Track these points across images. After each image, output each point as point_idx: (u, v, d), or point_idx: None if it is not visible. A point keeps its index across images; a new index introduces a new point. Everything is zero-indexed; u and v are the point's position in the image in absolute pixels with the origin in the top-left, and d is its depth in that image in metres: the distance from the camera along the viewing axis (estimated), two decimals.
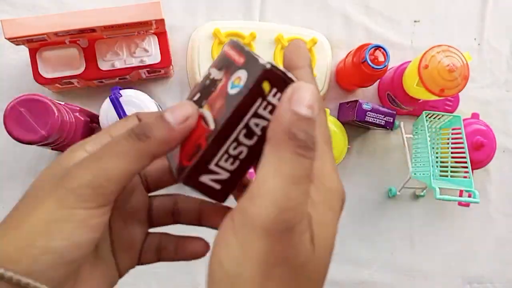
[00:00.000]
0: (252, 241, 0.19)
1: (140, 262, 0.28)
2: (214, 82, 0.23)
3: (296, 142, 0.19)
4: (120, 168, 0.21)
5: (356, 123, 0.60)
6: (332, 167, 0.21)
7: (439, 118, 0.63)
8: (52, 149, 0.54)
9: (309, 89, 0.19)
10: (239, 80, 0.21)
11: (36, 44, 0.55)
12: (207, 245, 0.29)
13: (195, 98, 0.24)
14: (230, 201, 0.25)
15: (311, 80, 0.22)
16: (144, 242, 0.28)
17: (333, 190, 0.21)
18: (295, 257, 0.19)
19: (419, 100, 0.60)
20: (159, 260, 0.29)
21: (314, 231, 0.20)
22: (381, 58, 0.56)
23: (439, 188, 0.56)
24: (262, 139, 0.21)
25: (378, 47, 0.56)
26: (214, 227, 0.28)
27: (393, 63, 0.62)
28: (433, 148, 0.63)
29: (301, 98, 0.19)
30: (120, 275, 0.27)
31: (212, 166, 0.22)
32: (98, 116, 0.55)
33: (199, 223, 0.29)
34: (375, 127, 0.61)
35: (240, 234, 0.19)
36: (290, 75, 0.20)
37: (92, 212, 0.21)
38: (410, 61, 0.59)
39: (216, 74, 0.23)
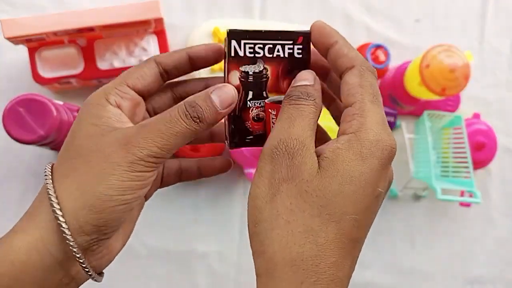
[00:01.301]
0: (263, 167, 0.25)
1: (162, 186, 0.34)
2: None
3: (290, 99, 0.26)
4: (177, 144, 0.26)
5: None
6: (376, 122, 0.25)
7: (440, 118, 0.63)
8: (51, 148, 0.54)
9: (308, 73, 0.28)
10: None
11: (35, 44, 0.55)
12: (229, 162, 0.34)
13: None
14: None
15: (349, 49, 0.27)
16: (164, 171, 0.34)
17: (369, 140, 0.24)
18: (298, 175, 0.24)
19: (420, 99, 0.60)
20: (180, 180, 0.34)
21: (323, 161, 0.24)
22: (382, 58, 0.55)
23: (440, 188, 0.55)
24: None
25: (379, 47, 0.55)
26: (210, 175, 0.34)
27: (394, 62, 0.61)
28: (434, 148, 0.63)
29: (299, 77, 0.27)
30: (146, 199, 0.33)
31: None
32: None
33: (199, 176, 0.34)
34: None
35: (258, 167, 0.25)
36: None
37: (153, 173, 0.26)
38: (411, 61, 0.58)
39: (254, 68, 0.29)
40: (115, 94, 0.28)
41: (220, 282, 0.63)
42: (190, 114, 0.25)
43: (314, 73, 0.28)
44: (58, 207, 0.24)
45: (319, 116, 0.27)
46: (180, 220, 0.63)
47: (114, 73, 0.58)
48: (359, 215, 0.24)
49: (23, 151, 0.59)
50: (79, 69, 0.57)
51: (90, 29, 0.52)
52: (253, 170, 0.55)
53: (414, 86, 0.56)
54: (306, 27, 0.29)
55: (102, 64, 0.57)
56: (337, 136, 0.26)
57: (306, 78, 0.27)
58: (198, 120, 0.26)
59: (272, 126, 0.28)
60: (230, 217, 0.63)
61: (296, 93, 0.26)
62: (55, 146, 0.52)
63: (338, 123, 0.29)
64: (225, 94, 0.27)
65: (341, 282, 0.23)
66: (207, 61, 0.30)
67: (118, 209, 0.25)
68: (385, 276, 0.65)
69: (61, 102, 0.52)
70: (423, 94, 0.56)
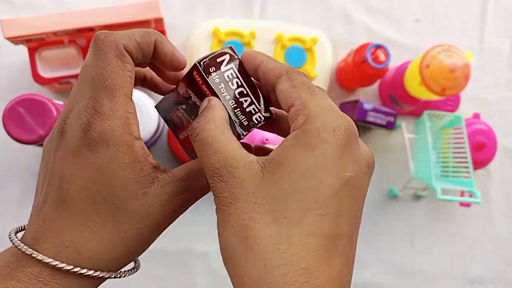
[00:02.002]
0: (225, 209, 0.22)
1: None
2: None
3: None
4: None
5: (357, 123, 0.59)
6: (320, 108, 0.22)
7: (440, 118, 0.63)
8: None
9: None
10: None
11: (35, 44, 0.55)
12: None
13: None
14: None
15: (274, 63, 0.25)
16: None
17: (316, 128, 0.22)
18: (242, 191, 0.22)
19: (420, 99, 0.60)
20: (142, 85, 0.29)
21: (268, 166, 0.22)
22: (382, 58, 0.55)
23: (440, 188, 0.55)
24: None
25: (379, 47, 0.55)
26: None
27: (394, 62, 0.61)
28: (434, 148, 0.63)
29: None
30: None
31: None
32: None
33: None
34: (376, 127, 0.60)
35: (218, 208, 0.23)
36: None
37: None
38: (411, 61, 0.58)
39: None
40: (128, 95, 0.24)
41: (220, 282, 0.63)
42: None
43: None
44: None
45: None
46: (180, 219, 0.62)
47: None
48: (326, 208, 0.21)
49: (23, 151, 0.59)
50: (79, 69, 0.57)
51: (90, 29, 0.52)
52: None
53: (414, 86, 0.56)
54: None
55: None
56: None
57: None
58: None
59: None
60: None
61: (190, 131, 0.24)
62: None
63: None
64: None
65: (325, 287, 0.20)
66: (165, 65, 0.27)
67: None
68: (385, 276, 0.65)
69: (61, 102, 0.52)
70: (423, 94, 0.56)
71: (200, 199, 0.27)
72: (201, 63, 0.25)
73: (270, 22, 0.63)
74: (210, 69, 0.25)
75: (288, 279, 0.20)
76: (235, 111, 0.25)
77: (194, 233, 0.63)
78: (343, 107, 0.63)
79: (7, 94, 0.54)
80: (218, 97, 0.25)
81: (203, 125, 0.23)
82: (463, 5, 0.68)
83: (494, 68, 0.68)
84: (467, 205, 0.61)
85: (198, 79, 0.25)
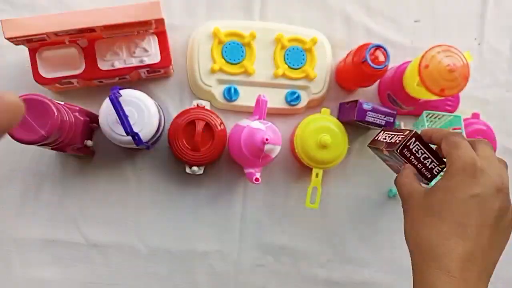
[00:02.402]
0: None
1: None
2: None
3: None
4: None
5: (356, 123, 0.60)
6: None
7: (439, 118, 0.63)
8: (52, 149, 0.54)
9: None
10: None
11: (36, 44, 0.55)
12: None
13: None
14: None
15: (436, 131, 0.44)
16: None
17: None
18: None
19: (420, 100, 0.60)
20: None
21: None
22: (381, 58, 0.55)
23: None
24: None
25: (378, 47, 0.56)
26: None
27: (394, 63, 0.62)
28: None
29: None
30: None
31: None
32: (98, 116, 0.54)
33: None
34: (376, 127, 0.60)
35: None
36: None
37: None
38: (410, 61, 0.58)
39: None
40: None
41: (220, 282, 0.63)
42: None
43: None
44: None
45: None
46: (181, 219, 0.63)
47: (115, 73, 0.58)
48: None
49: (24, 151, 0.59)
50: (80, 69, 0.57)
51: (91, 30, 0.52)
52: (253, 170, 0.55)
53: (413, 86, 0.56)
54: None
55: (103, 65, 0.57)
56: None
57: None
58: None
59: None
60: (230, 217, 0.63)
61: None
62: (56, 146, 0.52)
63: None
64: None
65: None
66: None
67: None
68: (384, 275, 0.65)
69: (61, 102, 0.52)
70: (422, 94, 0.57)
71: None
72: (401, 150, 0.45)
73: (270, 22, 0.64)
74: (404, 150, 0.45)
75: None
76: (421, 169, 0.45)
77: (195, 233, 0.63)
78: (343, 107, 0.64)
79: None
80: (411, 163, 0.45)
81: (401, 177, 0.44)
82: (463, 5, 0.68)
83: (494, 69, 0.68)
84: None
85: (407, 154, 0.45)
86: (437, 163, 0.44)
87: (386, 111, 0.59)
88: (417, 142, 0.44)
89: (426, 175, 0.45)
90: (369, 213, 0.65)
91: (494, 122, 0.65)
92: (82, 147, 0.57)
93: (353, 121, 0.59)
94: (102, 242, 0.62)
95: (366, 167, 0.65)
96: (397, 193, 0.45)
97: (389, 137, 0.49)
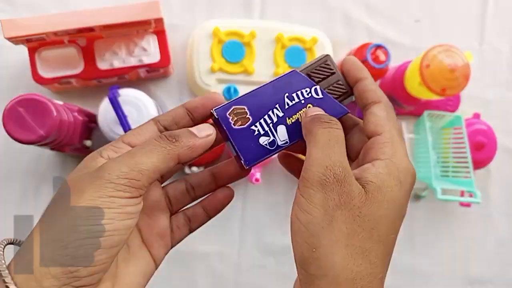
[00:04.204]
0: (313, 195, 0.25)
1: (173, 244, 0.33)
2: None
3: (322, 121, 0.27)
4: (151, 164, 0.25)
5: None
6: (403, 152, 0.28)
7: (440, 118, 0.63)
8: (51, 149, 0.54)
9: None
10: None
11: (35, 44, 0.55)
12: (231, 190, 0.34)
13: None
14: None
15: (376, 87, 0.29)
16: (172, 225, 0.32)
17: (402, 168, 0.27)
18: (350, 201, 0.25)
19: (420, 99, 0.60)
20: (190, 231, 0.34)
21: (369, 186, 0.26)
22: (382, 58, 0.55)
23: (440, 188, 0.55)
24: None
25: (379, 46, 0.55)
26: (230, 182, 0.34)
27: (394, 62, 0.61)
28: (434, 148, 0.63)
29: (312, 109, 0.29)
30: (157, 265, 0.32)
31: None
32: (97, 116, 0.54)
33: (216, 187, 0.34)
34: None
35: (305, 193, 0.25)
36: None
37: (128, 201, 0.24)
38: (411, 61, 0.58)
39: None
40: (109, 149, 0.27)
41: (220, 282, 0.63)
42: (165, 136, 0.26)
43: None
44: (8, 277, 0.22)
45: None
46: None
47: (114, 73, 0.58)
48: (396, 234, 0.27)
49: (23, 151, 0.59)
50: (79, 69, 0.57)
51: (90, 29, 0.51)
52: (253, 170, 0.55)
53: (414, 86, 0.56)
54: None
55: (102, 64, 0.57)
56: (364, 160, 0.28)
57: (319, 110, 0.29)
58: (173, 139, 0.26)
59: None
60: (230, 217, 0.63)
61: (326, 118, 0.27)
62: (55, 146, 0.52)
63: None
64: (202, 126, 0.28)
65: None
66: (205, 111, 0.29)
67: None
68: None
69: (61, 102, 0.52)
70: (423, 94, 0.56)
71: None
72: None
73: (270, 22, 0.63)
74: None
75: (373, 285, 0.25)
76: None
77: (195, 233, 0.63)
78: None
79: (7, 94, 0.54)
80: None
81: (340, 129, 0.28)
82: (463, 5, 0.68)
83: (494, 68, 0.68)
84: (467, 205, 0.61)
85: None
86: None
87: None
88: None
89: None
90: None
91: (494, 122, 0.65)
92: (81, 147, 0.56)
93: None
94: None
95: None
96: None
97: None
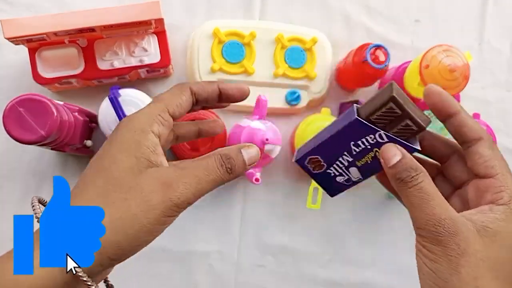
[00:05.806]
0: (434, 248, 0.28)
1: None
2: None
3: (405, 182, 0.29)
4: (208, 191, 0.28)
5: None
6: None
7: None
8: (52, 149, 0.54)
9: (391, 147, 0.31)
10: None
11: (36, 44, 0.55)
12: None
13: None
14: None
15: (473, 120, 0.30)
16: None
17: None
18: (470, 246, 0.27)
19: (420, 100, 0.60)
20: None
21: (486, 231, 0.27)
22: (382, 58, 0.55)
23: None
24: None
25: (379, 47, 0.55)
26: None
27: (394, 63, 0.61)
28: None
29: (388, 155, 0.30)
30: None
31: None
32: (97, 116, 0.54)
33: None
34: None
35: (425, 246, 0.28)
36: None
37: (176, 218, 0.28)
38: (410, 61, 0.58)
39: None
40: (159, 122, 0.29)
41: (220, 282, 0.63)
42: (225, 165, 0.28)
43: (395, 145, 0.30)
44: None
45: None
46: (180, 219, 0.62)
47: (115, 73, 0.58)
48: None
49: (23, 151, 0.59)
50: (79, 69, 0.57)
51: (91, 30, 0.52)
52: (253, 170, 0.55)
53: (413, 86, 0.56)
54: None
55: (103, 64, 0.57)
56: (479, 202, 0.29)
57: (394, 153, 0.30)
58: (230, 171, 0.29)
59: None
60: (230, 216, 0.63)
61: (405, 174, 0.28)
62: (56, 146, 0.52)
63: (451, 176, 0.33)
64: (252, 153, 0.30)
65: None
66: (234, 99, 0.33)
67: (138, 249, 0.28)
68: (386, 276, 0.65)
69: (61, 102, 0.52)
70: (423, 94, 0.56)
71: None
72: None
73: (270, 22, 0.64)
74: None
75: None
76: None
77: (195, 233, 0.63)
78: (343, 107, 0.64)
79: (7, 94, 0.54)
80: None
81: (424, 177, 0.28)
82: (463, 5, 0.68)
83: (494, 69, 0.68)
84: None
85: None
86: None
87: None
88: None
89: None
90: (370, 213, 0.65)
91: (494, 122, 0.65)
92: (81, 147, 0.57)
93: None
94: None
95: None
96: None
97: None
